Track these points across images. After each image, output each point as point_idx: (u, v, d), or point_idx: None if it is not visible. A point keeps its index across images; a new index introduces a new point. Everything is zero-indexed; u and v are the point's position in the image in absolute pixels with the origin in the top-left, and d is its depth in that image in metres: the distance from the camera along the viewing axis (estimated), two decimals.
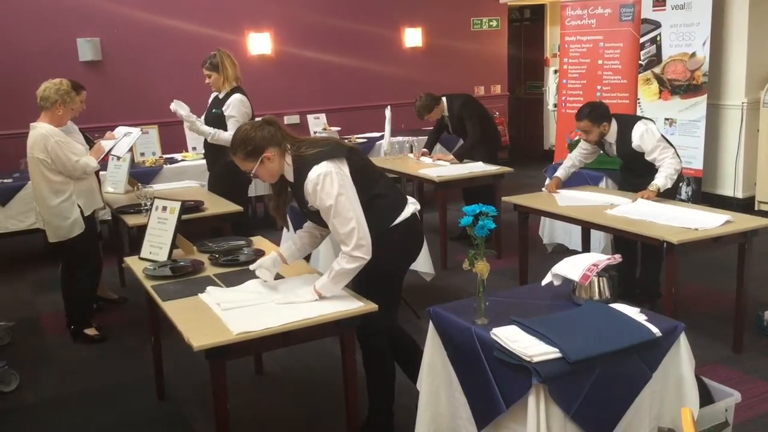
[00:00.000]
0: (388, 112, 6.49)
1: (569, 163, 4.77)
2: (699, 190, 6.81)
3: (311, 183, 2.75)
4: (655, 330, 2.43)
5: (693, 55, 6.71)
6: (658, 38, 6.93)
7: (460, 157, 6.05)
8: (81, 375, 4.03)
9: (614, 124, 4.46)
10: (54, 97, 4.15)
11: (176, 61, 7.45)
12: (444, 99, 6.13)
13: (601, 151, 4.67)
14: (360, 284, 2.98)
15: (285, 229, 4.83)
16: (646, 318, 2.52)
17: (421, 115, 6.09)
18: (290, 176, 2.87)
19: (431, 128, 6.60)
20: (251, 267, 3.03)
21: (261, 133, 2.80)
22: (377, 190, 2.96)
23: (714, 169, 7.05)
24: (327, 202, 2.75)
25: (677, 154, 4.36)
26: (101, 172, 4.75)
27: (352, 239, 2.75)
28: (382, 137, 6.98)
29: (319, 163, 2.77)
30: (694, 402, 2.50)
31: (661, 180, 4.25)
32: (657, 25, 6.94)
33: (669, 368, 2.50)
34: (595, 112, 4.42)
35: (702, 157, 6.75)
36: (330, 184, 2.74)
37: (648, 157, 4.33)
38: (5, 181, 5.92)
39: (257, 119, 2.98)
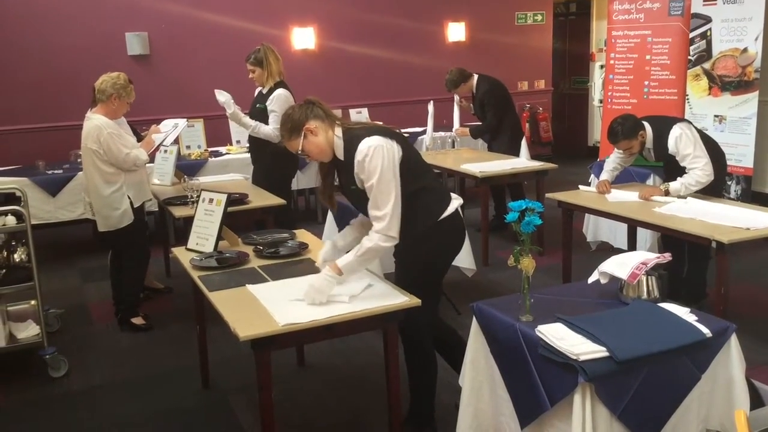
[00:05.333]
0: (430, 107, 6.51)
1: (611, 166, 4.64)
2: (749, 188, 6.64)
3: (361, 154, 2.74)
4: (705, 330, 2.38)
5: (744, 50, 6.53)
6: (709, 33, 6.77)
7: (474, 135, 6.61)
8: (127, 362, 4.12)
9: (649, 129, 4.33)
10: (110, 91, 4.24)
11: (222, 55, 7.53)
12: (475, 78, 6.37)
13: (641, 155, 4.54)
14: (403, 279, 2.99)
15: (327, 222, 4.88)
16: (696, 318, 2.47)
17: (448, 89, 6.42)
18: (340, 152, 2.85)
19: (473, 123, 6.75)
20: (319, 264, 2.94)
21: (299, 110, 2.85)
22: (425, 182, 2.95)
23: (764, 167, 6.86)
24: (373, 176, 2.73)
25: (710, 167, 4.16)
26: (148, 164, 4.83)
27: (392, 218, 2.74)
28: (424, 132, 6.98)
29: (372, 136, 2.78)
30: (744, 405, 2.44)
31: (677, 184, 4.18)
32: (707, 19, 6.78)
33: (719, 370, 2.45)
34: (626, 127, 4.27)
35: (752, 155, 6.58)
36: (379, 156, 2.73)
37: (681, 163, 4.22)
38: (55, 172, 6.07)
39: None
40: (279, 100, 5.02)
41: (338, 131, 2.85)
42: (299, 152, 2.86)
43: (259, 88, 5.25)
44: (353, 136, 2.81)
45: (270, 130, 5.02)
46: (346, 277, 2.76)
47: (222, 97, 4.98)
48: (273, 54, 5.11)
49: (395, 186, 2.76)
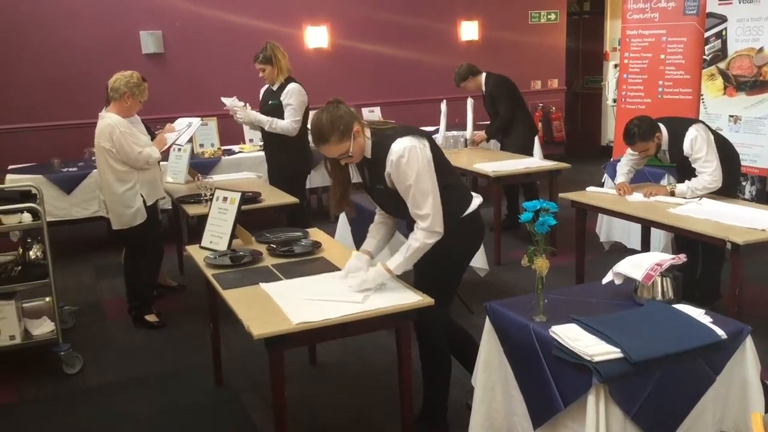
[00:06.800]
0: (443, 107, 6.51)
1: (626, 169, 4.60)
2: (764, 189, 6.59)
3: (396, 154, 2.74)
4: (720, 332, 2.37)
5: (760, 50, 6.48)
6: (724, 33, 6.72)
7: (491, 135, 6.52)
8: (141, 359, 4.14)
9: (665, 131, 4.30)
10: (123, 89, 4.26)
11: (235, 54, 7.55)
12: (483, 75, 6.35)
13: (655, 156, 4.51)
14: (424, 275, 2.98)
15: (339, 221, 4.89)
16: (710, 320, 2.46)
17: (456, 83, 6.41)
18: (368, 152, 2.84)
19: (487, 122, 6.69)
20: (342, 276, 2.93)
21: (344, 109, 2.77)
22: (449, 180, 2.95)
23: None
24: (410, 177, 2.74)
25: (718, 172, 4.13)
26: (162, 163, 4.85)
27: (434, 215, 2.78)
28: (436, 131, 6.97)
29: (403, 137, 2.78)
30: (759, 407, 2.43)
31: (684, 187, 4.18)
32: (723, 19, 6.73)
33: (734, 372, 2.44)
34: (642, 129, 4.24)
35: None
36: (415, 158, 2.74)
37: (692, 164, 4.20)
38: (70, 169, 6.11)
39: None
40: (294, 94, 5.04)
41: (367, 132, 2.84)
42: (348, 155, 2.77)
43: (266, 86, 5.25)
44: (385, 136, 2.81)
45: (287, 124, 5.04)
46: (397, 274, 2.87)
47: (227, 101, 5.02)
48: (280, 50, 5.13)
49: (433, 184, 2.80)
